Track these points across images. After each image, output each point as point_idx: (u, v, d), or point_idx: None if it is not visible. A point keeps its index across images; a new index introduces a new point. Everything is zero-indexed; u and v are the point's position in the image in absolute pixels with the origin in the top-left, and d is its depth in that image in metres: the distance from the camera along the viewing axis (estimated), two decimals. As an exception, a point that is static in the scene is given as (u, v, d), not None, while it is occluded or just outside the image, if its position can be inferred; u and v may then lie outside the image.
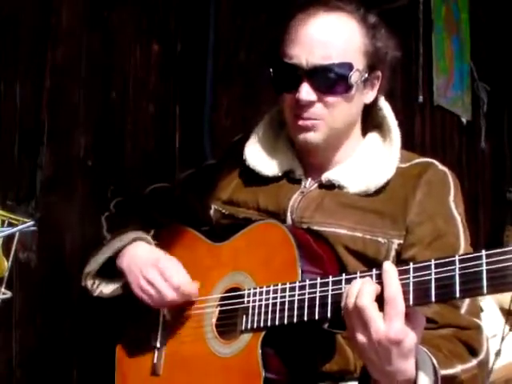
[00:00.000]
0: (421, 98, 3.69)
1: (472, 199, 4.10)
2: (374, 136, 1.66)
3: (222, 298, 1.57)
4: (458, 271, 1.19)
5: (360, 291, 1.25)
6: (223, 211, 1.68)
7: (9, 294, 1.52)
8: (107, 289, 1.70)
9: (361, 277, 1.30)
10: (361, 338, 1.24)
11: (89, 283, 1.71)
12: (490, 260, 1.15)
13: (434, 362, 1.32)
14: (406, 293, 1.23)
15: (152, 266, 1.61)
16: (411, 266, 1.25)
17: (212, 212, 1.71)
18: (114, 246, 1.69)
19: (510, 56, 4.47)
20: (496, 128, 4.47)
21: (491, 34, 4.40)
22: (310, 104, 1.53)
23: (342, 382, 1.49)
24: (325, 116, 1.55)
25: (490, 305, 2.74)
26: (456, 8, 4.03)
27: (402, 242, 1.52)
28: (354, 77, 1.53)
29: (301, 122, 1.55)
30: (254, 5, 2.72)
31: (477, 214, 4.16)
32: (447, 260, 1.21)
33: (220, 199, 1.70)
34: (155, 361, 1.65)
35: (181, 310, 1.64)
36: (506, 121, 4.57)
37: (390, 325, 1.21)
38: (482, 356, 1.44)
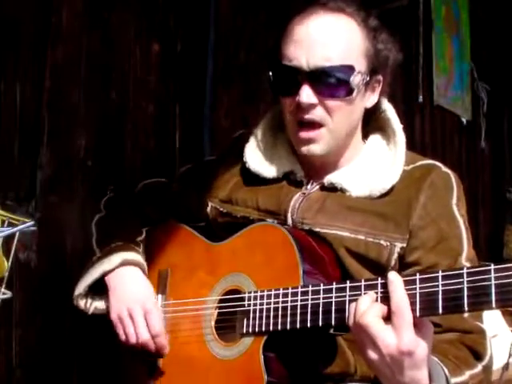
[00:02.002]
0: (421, 98, 3.70)
1: (472, 199, 4.10)
2: (376, 138, 1.64)
3: (221, 300, 1.56)
4: (466, 284, 1.18)
5: (364, 309, 1.25)
6: (221, 209, 1.66)
7: (9, 294, 1.52)
8: (101, 304, 1.68)
9: (365, 286, 1.29)
10: (372, 354, 1.24)
11: (81, 303, 1.69)
12: (499, 274, 1.14)
13: (446, 372, 1.32)
14: (412, 304, 1.22)
15: (139, 305, 1.61)
16: (417, 276, 1.24)
17: (209, 209, 1.69)
18: (102, 267, 1.66)
19: (510, 56, 4.47)
20: (496, 128, 4.47)
21: (491, 34, 4.41)
22: (311, 107, 1.50)
23: (341, 384, 1.50)
24: (326, 121, 1.51)
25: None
26: (456, 8, 4.03)
27: (404, 245, 1.50)
28: (356, 79, 1.50)
29: (304, 135, 1.52)
30: (253, 5, 2.72)
31: (477, 214, 4.17)
32: (455, 272, 1.20)
33: (217, 197, 1.68)
34: (155, 361, 1.65)
35: (180, 310, 1.64)
36: (506, 121, 4.58)
37: (400, 337, 1.20)
38: (486, 360, 1.43)
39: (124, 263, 1.66)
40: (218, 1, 2.59)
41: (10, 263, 1.51)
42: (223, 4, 2.63)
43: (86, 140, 2.17)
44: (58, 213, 2.09)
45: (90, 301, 1.69)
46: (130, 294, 1.63)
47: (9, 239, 1.50)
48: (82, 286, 1.67)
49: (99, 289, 1.68)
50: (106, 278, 1.66)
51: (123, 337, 1.61)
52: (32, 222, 1.48)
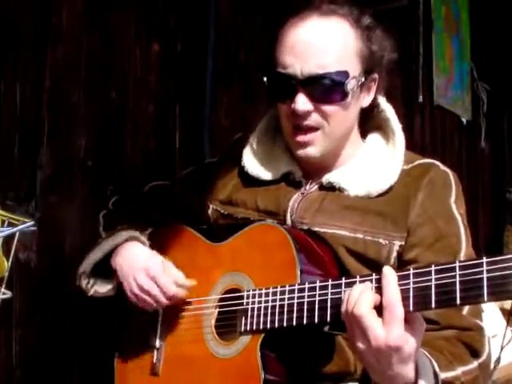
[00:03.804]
0: (421, 98, 3.70)
1: (472, 199, 4.10)
2: (375, 137, 1.64)
3: (221, 299, 1.56)
4: (458, 278, 1.18)
5: (358, 299, 1.25)
6: (221, 211, 1.67)
7: (9, 294, 1.53)
8: (102, 288, 1.71)
9: (360, 281, 1.30)
10: (361, 344, 1.24)
11: (83, 283, 1.71)
12: (491, 267, 1.14)
13: (435, 365, 1.32)
14: (405, 298, 1.22)
15: (144, 274, 1.62)
16: (411, 271, 1.24)
17: (210, 211, 1.70)
18: (107, 244, 1.69)
19: (510, 56, 4.47)
20: (496, 128, 4.47)
21: (491, 34, 4.41)
22: (307, 114, 1.51)
23: (341, 383, 1.49)
24: (322, 125, 1.53)
25: (490, 305, 2.75)
26: (456, 8, 4.03)
27: (403, 243, 1.50)
28: (350, 84, 1.50)
29: (300, 138, 1.54)
30: (253, 5, 2.72)
31: (477, 214, 4.17)
32: (448, 266, 1.20)
33: (218, 199, 1.69)
34: (154, 361, 1.65)
35: (180, 310, 1.65)
36: (506, 121, 4.58)
37: (389, 331, 1.21)
38: (483, 357, 1.43)
39: (129, 239, 1.69)
40: (218, 1, 2.59)
41: (9, 263, 1.51)
42: (223, 4, 2.63)
43: (86, 140, 2.17)
44: (58, 213, 2.09)
45: (92, 282, 1.70)
46: (134, 265, 1.65)
47: (9, 239, 1.50)
48: (87, 264, 1.70)
49: (103, 273, 1.70)
50: (111, 259, 1.68)
51: (150, 310, 1.65)
52: (32, 222, 1.48)
